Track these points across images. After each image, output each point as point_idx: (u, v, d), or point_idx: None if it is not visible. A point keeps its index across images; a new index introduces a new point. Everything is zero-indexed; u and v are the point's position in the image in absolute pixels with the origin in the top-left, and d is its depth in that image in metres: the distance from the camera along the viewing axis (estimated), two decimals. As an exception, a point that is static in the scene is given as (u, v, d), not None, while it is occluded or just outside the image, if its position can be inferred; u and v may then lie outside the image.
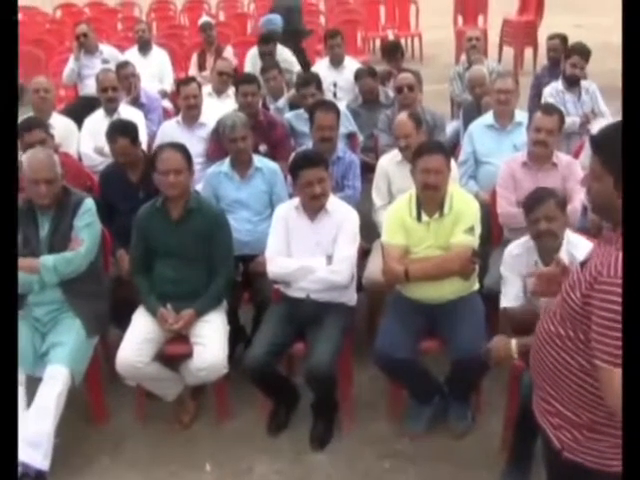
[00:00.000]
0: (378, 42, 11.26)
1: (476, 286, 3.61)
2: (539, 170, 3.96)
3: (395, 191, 4.20)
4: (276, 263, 3.56)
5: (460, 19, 11.26)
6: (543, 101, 5.50)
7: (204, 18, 8.74)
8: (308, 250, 3.56)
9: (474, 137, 4.77)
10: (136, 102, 5.95)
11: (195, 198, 3.68)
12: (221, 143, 4.48)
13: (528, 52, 10.35)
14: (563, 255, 3.27)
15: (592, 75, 6.06)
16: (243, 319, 4.15)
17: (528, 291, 3.16)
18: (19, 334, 3.42)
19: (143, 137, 4.99)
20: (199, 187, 4.21)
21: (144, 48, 7.63)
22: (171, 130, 5.20)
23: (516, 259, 3.38)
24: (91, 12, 11.92)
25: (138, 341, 3.49)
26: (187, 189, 3.64)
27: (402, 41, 9.89)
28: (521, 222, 3.70)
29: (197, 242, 3.60)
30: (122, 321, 3.71)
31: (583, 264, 2.02)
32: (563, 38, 6.56)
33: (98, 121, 5.33)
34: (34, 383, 3.36)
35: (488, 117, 4.85)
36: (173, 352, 3.60)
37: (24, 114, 5.31)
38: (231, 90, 5.78)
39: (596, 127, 4.74)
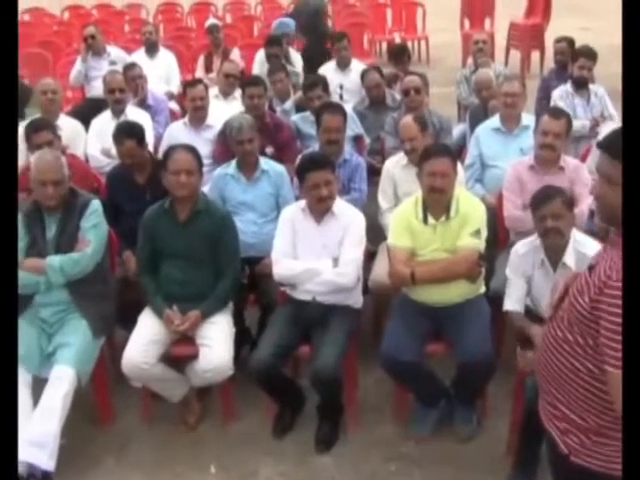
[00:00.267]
0: (385, 45, 11.26)
1: (482, 289, 3.61)
2: (546, 174, 3.95)
3: (401, 194, 4.20)
4: (282, 265, 3.57)
5: (467, 22, 11.25)
6: (552, 104, 5.50)
7: (211, 20, 8.76)
8: (314, 252, 3.56)
9: (481, 140, 4.77)
10: (143, 104, 5.97)
11: (202, 200, 3.69)
12: (227, 145, 4.48)
13: (535, 55, 10.34)
14: (570, 254, 3.28)
15: (599, 78, 6.05)
16: (249, 321, 4.14)
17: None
18: (25, 335, 3.45)
19: (150, 139, 5.00)
20: (205, 189, 4.21)
21: (151, 50, 7.65)
22: (178, 132, 5.21)
23: (522, 258, 3.38)
24: (98, 14, 11.95)
25: (144, 342, 3.49)
26: (196, 191, 3.65)
27: (409, 44, 9.89)
28: (527, 225, 3.70)
29: (204, 244, 3.60)
30: (128, 322, 3.71)
31: (591, 268, 2.01)
32: (570, 41, 6.55)
33: (105, 123, 5.35)
34: (40, 384, 3.37)
35: (495, 120, 4.85)
36: (179, 353, 3.60)
37: (31, 115, 5.35)
38: (237, 92, 5.79)
39: (605, 131, 4.72)
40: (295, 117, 5.37)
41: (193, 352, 3.53)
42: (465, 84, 6.76)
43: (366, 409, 3.73)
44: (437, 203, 3.48)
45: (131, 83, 5.94)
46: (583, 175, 3.98)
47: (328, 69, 6.83)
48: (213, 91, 5.97)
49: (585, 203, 3.82)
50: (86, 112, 6.03)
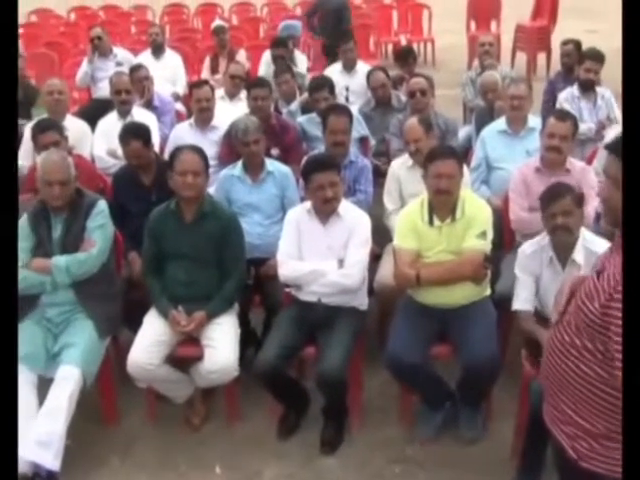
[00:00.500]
0: (390, 47, 11.26)
1: (488, 291, 3.60)
2: (552, 176, 3.94)
3: (406, 195, 4.20)
4: (288, 266, 3.57)
5: (473, 24, 11.25)
6: (558, 106, 5.50)
7: (217, 22, 8.78)
8: (320, 254, 3.56)
9: (486, 142, 4.76)
10: (149, 105, 5.98)
11: (208, 201, 3.69)
12: (233, 146, 4.49)
13: (541, 57, 10.32)
14: (579, 251, 3.27)
15: (605, 81, 6.03)
16: (254, 322, 4.14)
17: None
18: (31, 334, 3.47)
19: (156, 140, 5.01)
20: (211, 190, 4.22)
21: (157, 51, 7.67)
22: (183, 133, 5.21)
23: (530, 257, 3.38)
24: (105, 15, 11.99)
25: (149, 343, 3.50)
26: (202, 192, 3.66)
27: (414, 46, 9.88)
28: (533, 228, 3.70)
29: (209, 245, 3.61)
30: (133, 323, 3.72)
31: (599, 273, 2.00)
32: (577, 44, 6.54)
33: (111, 123, 5.36)
34: (46, 383, 3.37)
35: (501, 122, 4.84)
36: (184, 354, 3.61)
37: (38, 116, 5.36)
38: (243, 94, 5.81)
39: (611, 134, 4.72)
40: (301, 119, 5.37)
41: (198, 353, 3.53)
42: (471, 86, 6.75)
43: (371, 411, 3.72)
44: (443, 205, 3.47)
45: (137, 84, 5.95)
46: (589, 177, 3.98)
47: (334, 71, 6.84)
48: (219, 92, 5.98)
49: (591, 205, 3.81)
50: (92, 113, 6.05)
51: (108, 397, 3.73)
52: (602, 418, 2.02)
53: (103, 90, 6.76)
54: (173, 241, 3.65)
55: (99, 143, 5.35)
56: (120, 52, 7.59)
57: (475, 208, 3.48)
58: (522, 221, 3.97)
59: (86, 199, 3.65)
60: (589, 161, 4.60)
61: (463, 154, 4.66)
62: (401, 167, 4.29)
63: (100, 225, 3.61)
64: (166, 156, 4.60)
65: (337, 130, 4.38)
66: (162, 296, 3.65)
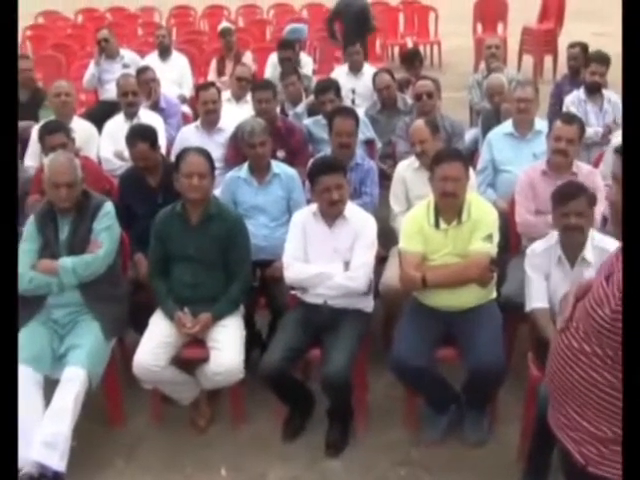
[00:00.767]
0: (397, 49, 11.27)
1: (494, 294, 3.60)
2: (559, 179, 3.92)
3: (412, 197, 4.20)
4: (293, 269, 3.57)
5: (479, 27, 11.24)
6: (565, 109, 5.48)
7: (224, 24, 8.80)
8: (325, 256, 3.56)
9: (493, 145, 4.76)
10: (156, 107, 6.00)
11: (214, 203, 3.70)
12: (239, 148, 4.50)
13: (548, 60, 10.31)
14: (589, 249, 3.26)
15: (612, 84, 6.01)
16: (259, 324, 4.15)
17: None
18: (37, 335, 3.48)
19: (162, 142, 5.02)
20: (217, 192, 4.23)
21: (164, 53, 7.70)
22: (190, 135, 5.22)
23: (540, 256, 3.37)
24: (112, 17, 12.03)
25: (155, 344, 3.50)
26: (208, 194, 3.67)
27: (421, 48, 9.89)
28: (539, 231, 3.70)
29: (215, 247, 3.61)
30: (139, 324, 3.73)
31: (607, 278, 1.99)
32: (584, 47, 6.53)
33: (118, 125, 5.38)
34: (52, 384, 3.38)
35: (507, 125, 4.83)
36: (190, 356, 3.61)
37: (45, 118, 5.38)
38: (249, 96, 5.80)
39: (618, 138, 4.70)
40: (307, 121, 5.38)
41: (204, 355, 3.53)
42: (477, 89, 6.74)
43: (376, 413, 3.72)
44: (449, 208, 3.47)
45: (144, 86, 5.96)
46: (596, 181, 3.97)
47: (340, 73, 6.85)
48: (225, 94, 5.99)
49: (598, 209, 3.80)
50: (99, 115, 6.07)
51: (114, 398, 3.74)
52: (610, 423, 2.01)
53: (110, 92, 6.78)
54: (179, 243, 3.66)
55: (106, 145, 5.36)
56: (127, 54, 7.62)
57: (481, 211, 3.48)
58: (528, 224, 3.96)
59: (93, 201, 3.66)
60: (595, 165, 4.59)
61: (469, 157, 4.66)
62: (407, 169, 4.29)
63: (107, 227, 3.63)
64: (172, 158, 4.61)
65: (343, 132, 4.38)
66: (168, 298, 3.65)
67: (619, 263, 1.97)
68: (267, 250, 4.02)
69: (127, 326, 3.86)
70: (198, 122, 5.33)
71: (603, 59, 5.66)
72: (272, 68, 7.40)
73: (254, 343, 3.94)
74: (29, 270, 3.50)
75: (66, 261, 3.50)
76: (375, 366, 3.78)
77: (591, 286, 2.10)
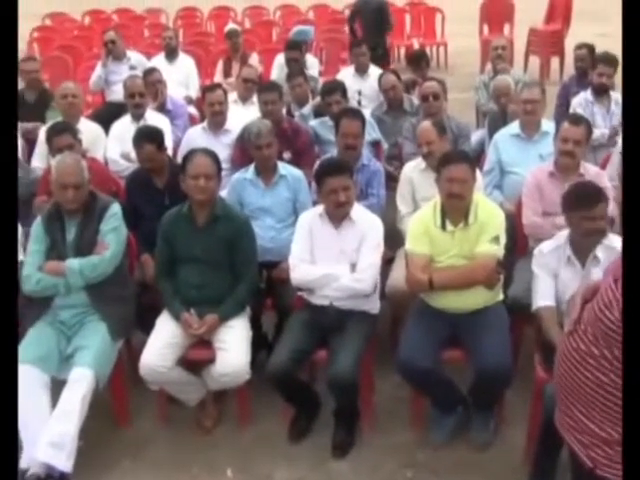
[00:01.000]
0: (403, 50, 11.26)
1: (500, 296, 3.59)
2: (566, 180, 3.92)
3: (419, 199, 4.19)
4: (300, 270, 3.57)
5: (486, 28, 11.22)
6: (572, 111, 5.46)
7: (230, 25, 8.82)
8: (332, 258, 3.56)
9: (499, 146, 4.74)
10: (162, 108, 6.00)
11: (221, 205, 3.70)
12: (246, 150, 4.50)
13: (554, 61, 10.29)
14: (599, 249, 3.24)
15: (619, 86, 6.00)
16: (265, 325, 4.15)
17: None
18: (44, 336, 3.50)
19: (169, 143, 5.02)
20: (223, 193, 4.23)
21: (171, 55, 7.71)
22: (196, 136, 5.22)
23: (547, 256, 3.34)
24: (119, 19, 12.06)
25: (161, 345, 3.51)
26: (215, 195, 3.67)
27: (427, 49, 9.89)
28: (546, 232, 3.69)
29: (222, 248, 3.62)
30: (146, 325, 3.73)
31: (617, 281, 1.98)
32: (591, 48, 6.52)
33: (125, 127, 5.39)
34: (59, 385, 3.39)
35: (514, 126, 4.82)
36: (196, 357, 3.62)
37: (52, 119, 5.40)
38: (256, 97, 5.80)
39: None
40: (314, 122, 5.38)
41: (210, 356, 3.54)
42: (484, 90, 6.74)
43: (383, 415, 3.72)
44: (455, 209, 3.47)
45: (151, 88, 5.97)
46: (603, 182, 3.94)
47: (346, 75, 6.85)
48: (232, 96, 5.99)
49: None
50: (106, 116, 6.08)
51: (120, 399, 3.75)
52: (617, 425, 2.01)
53: (117, 93, 6.80)
54: (185, 244, 3.67)
55: (112, 146, 5.37)
56: (134, 56, 7.63)
57: (488, 213, 3.47)
58: (535, 226, 3.95)
59: (100, 202, 3.67)
60: (602, 167, 4.57)
61: (476, 158, 4.65)
62: (414, 170, 4.29)
63: (113, 228, 3.64)
64: (179, 159, 4.62)
65: (349, 134, 4.37)
66: (174, 299, 3.66)
67: None
68: (273, 251, 4.03)
69: (134, 327, 3.87)
70: (204, 123, 5.33)
71: (610, 60, 5.64)
72: (278, 69, 7.41)
73: (260, 344, 3.94)
74: (36, 271, 3.52)
75: (73, 262, 3.51)
76: (382, 367, 3.78)
77: (599, 288, 2.09)
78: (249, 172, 4.25)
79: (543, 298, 3.31)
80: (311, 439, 3.60)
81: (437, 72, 9.19)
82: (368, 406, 3.65)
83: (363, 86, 6.70)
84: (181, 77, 7.48)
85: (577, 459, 2.16)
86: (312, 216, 3.68)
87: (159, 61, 7.57)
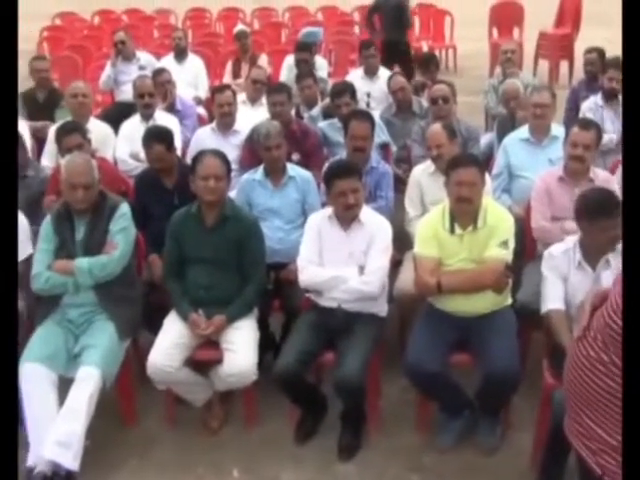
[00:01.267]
0: (412, 53, 11.24)
1: (509, 301, 3.58)
2: (575, 185, 3.91)
3: (428, 202, 4.19)
4: (308, 272, 3.57)
5: (495, 31, 11.20)
6: (581, 115, 5.45)
7: (240, 26, 8.83)
8: (340, 260, 3.56)
9: (508, 150, 4.73)
10: (171, 108, 6.02)
11: (230, 206, 3.71)
12: (254, 151, 4.51)
13: (564, 65, 10.27)
14: (612, 255, 3.22)
15: (629, 90, 5.99)
16: (272, 326, 4.15)
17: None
18: (52, 335, 3.51)
19: (178, 143, 5.03)
20: (232, 194, 4.24)
21: (180, 55, 7.73)
22: (205, 137, 5.23)
23: (557, 259, 3.32)
24: (128, 19, 12.08)
25: (169, 345, 3.51)
26: (224, 196, 3.68)
27: (436, 52, 9.88)
28: (555, 237, 3.68)
29: (230, 249, 3.62)
30: (153, 325, 3.74)
31: None
32: (600, 52, 6.50)
33: (134, 127, 5.40)
34: (66, 383, 3.40)
35: (523, 130, 4.81)
36: (203, 357, 3.62)
37: (62, 118, 5.42)
38: (265, 98, 5.81)
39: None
40: (323, 124, 5.38)
41: (217, 356, 3.54)
42: (493, 94, 6.73)
43: (389, 418, 3.71)
44: (464, 213, 3.46)
45: (160, 88, 5.99)
46: (613, 187, 3.94)
47: (355, 77, 6.85)
48: (241, 97, 6.00)
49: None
50: (115, 116, 6.10)
51: (127, 399, 3.75)
52: None
53: (126, 93, 6.82)
54: (194, 245, 3.67)
55: (122, 146, 5.38)
56: (143, 56, 7.65)
57: (497, 217, 3.47)
58: (544, 230, 3.94)
59: (109, 201, 3.68)
60: (611, 172, 4.55)
61: (484, 162, 4.64)
62: (423, 173, 4.29)
63: (123, 228, 3.64)
64: (188, 160, 4.63)
65: (358, 136, 4.37)
66: (182, 299, 3.67)
67: None
68: (282, 253, 4.03)
69: (141, 327, 3.87)
70: (214, 124, 5.34)
71: (621, 65, 5.62)
72: (287, 71, 7.41)
73: (267, 345, 3.94)
74: (45, 270, 3.53)
75: (82, 262, 3.52)
76: (389, 370, 3.78)
77: (608, 295, 2.09)
78: (258, 173, 4.25)
79: (553, 301, 3.29)
80: (317, 441, 3.60)
81: (446, 75, 9.17)
82: (374, 409, 3.65)
83: (372, 88, 6.69)
84: (190, 78, 7.50)
85: (585, 466, 2.15)
86: (321, 218, 3.68)
87: (168, 61, 7.60)
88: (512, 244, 3.45)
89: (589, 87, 6.30)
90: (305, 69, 6.61)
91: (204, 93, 7.37)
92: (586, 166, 3.97)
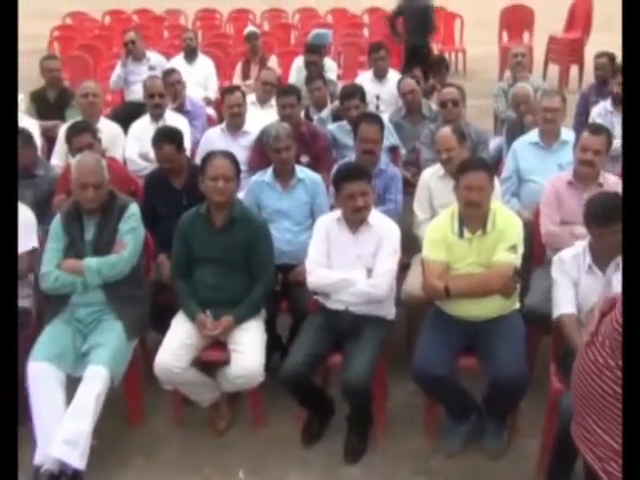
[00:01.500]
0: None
1: (517, 305, 3.57)
2: (585, 190, 3.90)
3: (436, 205, 4.19)
4: (316, 274, 3.57)
5: (505, 35, 11.19)
6: (591, 121, 5.43)
7: (250, 28, 8.84)
8: (349, 263, 3.56)
9: (518, 154, 4.73)
10: (181, 109, 6.03)
11: (239, 207, 3.71)
12: (263, 153, 4.51)
13: (573, 70, 10.24)
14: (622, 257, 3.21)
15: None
16: (280, 328, 4.15)
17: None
18: (61, 333, 3.52)
19: (187, 144, 5.05)
20: (240, 195, 4.24)
21: (190, 56, 7.76)
22: (215, 137, 5.25)
23: (567, 264, 3.30)
24: (139, 19, 12.13)
25: (176, 346, 3.52)
26: (233, 197, 3.68)
27: (446, 55, 9.86)
28: (564, 242, 3.67)
29: (239, 250, 3.63)
30: (161, 325, 3.75)
31: None
32: (611, 57, 6.48)
33: (144, 127, 5.42)
34: (74, 382, 3.41)
35: (533, 135, 4.80)
36: (211, 358, 3.63)
37: (72, 118, 5.44)
38: (274, 100, 5.82)
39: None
40: (332, 126, 5.38)
41: (225, 357, 3.55)
42: (503, 97, 6.71)
43: (396, 421, 3.71)
44: (473, 217, 3.46)
45: (170, 88, 6.00)
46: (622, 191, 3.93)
47: (365, 79, 6.85)
48: (250, 98, 6.01)
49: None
50: (125, 115, 6.12)
51: (134, 398, 3.76)
52: None
53: (135, 93, 6.85)
54: (202, 245, 3.68)
55: (131, 146, 5.40)
56: (153, 56, 7.67)
57: (506, 221, 3.46)
58: (553, 235, 3.92)
59: (118, 201, 3.69)
60: (621, 177, 4.54)
61: (493, 166, 4.63)
62: (432, 176, 4.28)
63: (132, 228, 3.65)
64: (197, 160, 4.64)
65: (367, 139, 4.37)
66: (190, 299, 3.67)
67: None
68: (290, 254, 4.03)
69: (148, 327, 3.88)
70: (223, 125, 5.35)
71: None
72: (296, 72, 7.41)
73: (275, 347, 3.94)
74: (54, 269, 3.54)
75: (91, 261, 3.53)
76: (396, 374, 3.77)
77: (617, 300, 2.09)
78: (267, 175, 4.26)
79: (565, 305, 3.26)
80: (324, 444, 3.59)
81: (455, 78, 9.18)
82: (381, 412, 3.64)
83: (381, 91, 6.69)
84: (200, 78, 7.52)
85: (592, 472, 2.15)
86: (329, 220, 3.68)
87: (178, 62, 7.62)
88: (521, 249, 3.44)
89: (599, 92, 6.28)
90: (315, 71, 6.61)
91: (214, 94, 7.38)
92: (596, 171, 3.96)
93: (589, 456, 2.15)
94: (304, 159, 4.82)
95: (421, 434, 3.62)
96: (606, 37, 10.94)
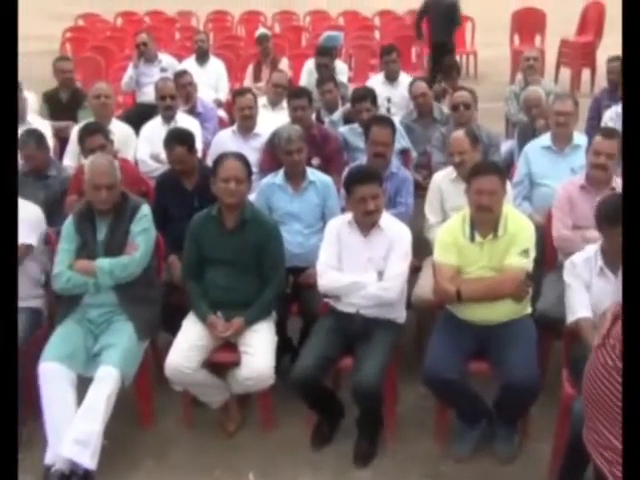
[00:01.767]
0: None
1: (528, 309, 3.56)
2: (597, 194, 3.88)
3: (448, 208, 4.18)
4: (327, 277, 3.57)
5: (517, 38, 11.16)
6: (603, 125, 5.41)
7: (261, 30, 8.85)
8: (360, 266, 3.55)
9: (530, 158, 4.71)
10: (193, 111, 6.05)
11: (250, 209, 3.72)
12: (274, 155, 4.52)
13: (585, 73, 10.20)
14: None
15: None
16: (290, 330, 4.15)
17: None
18: (72, 334, 3.53)
19: (199, 145, 5.06)
20: (252, 197, 4.25)
21: (202, 58, 7.78)
22: (226, 139, 5.25)
23: (579, 267, 3.29)
24: (150, 21, 12.18)
25: (187, 347, 3.52)
26: (244, 199, 3.69)
27: (457, 58, 9.85)
28: (576, 246, 3.65)
29: (250, 252, 3.63)
30: (172, 326, 3.75)
31: None
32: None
33: (155, 128, 5.43)
34: (85, 382, 3.42)
35: (545, 138, 4.78)
36: (221, 360, 3.63)
37: (84, 119, 5.47)
38: (285, 102, 5.83)
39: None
40: (343, 129, 5.38)
41: (235, 359, 3.55)
42: (514, 100, 6.70)
43: (406, 425, 3.70)
44: (485, 221, 3.45)
45: (181, 90, 6.02)
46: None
47: (376, 82, 6.85)
48: (261, 100, 6.02)
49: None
50: (136, 117, 6.14)
51: (145, 399, 3.77)
52: None
53: (147, 95, 6.87)
54: (213, 247, 3.68)
55: (143, 147, 5.42)
56: (165, 58, 7.70)
57: (518, 225, 3.45)
58: (565, 239, 3.91)
59: (130, 202, 3.70)
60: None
61: (505, 169, 4.62)
62: (444, 179, 4.28)
63: (144, 229, 3.66)
64: (208, 162, 4.65)
65: (379, 142, 4.36)
66: (201, 301, 3.68)
67: None
68: (301, 257, 4.03)
69: (160, 328, 3.89)
70: (234, 127, 5.36)
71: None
72: (307, 75, 7.42)
73: (285, 349, 3.94)
74: (67, 269, 3.56)
75: (103, 262, 3.54)
76: (407, 377, 3.77)
77: None
78: (278, 177, 4.26)
79: (581, 309, 3.23)
80: (334, 447, 3.59)
81: (466, 81, 9.15)
82: (391, 415, 3.64)
83: (392, 93, 6.68)
84: (211, 80, 7.54)
85: (601, 475, 2.14)
86: (340, 223, 3.68)
87: (190, 64, 7.64)
88: (533, 253, 3.43)
89: (611, 96, 6.24)
90: (326, 73, 6.61)
91: (225, 96, 7.40)
92: (609, 175, 3.94)
93: (598, 459, 2.15)
94: (315, 161, 4.83)
95: (431, 438, 3.61)
96: (618, 41, 10.90)
